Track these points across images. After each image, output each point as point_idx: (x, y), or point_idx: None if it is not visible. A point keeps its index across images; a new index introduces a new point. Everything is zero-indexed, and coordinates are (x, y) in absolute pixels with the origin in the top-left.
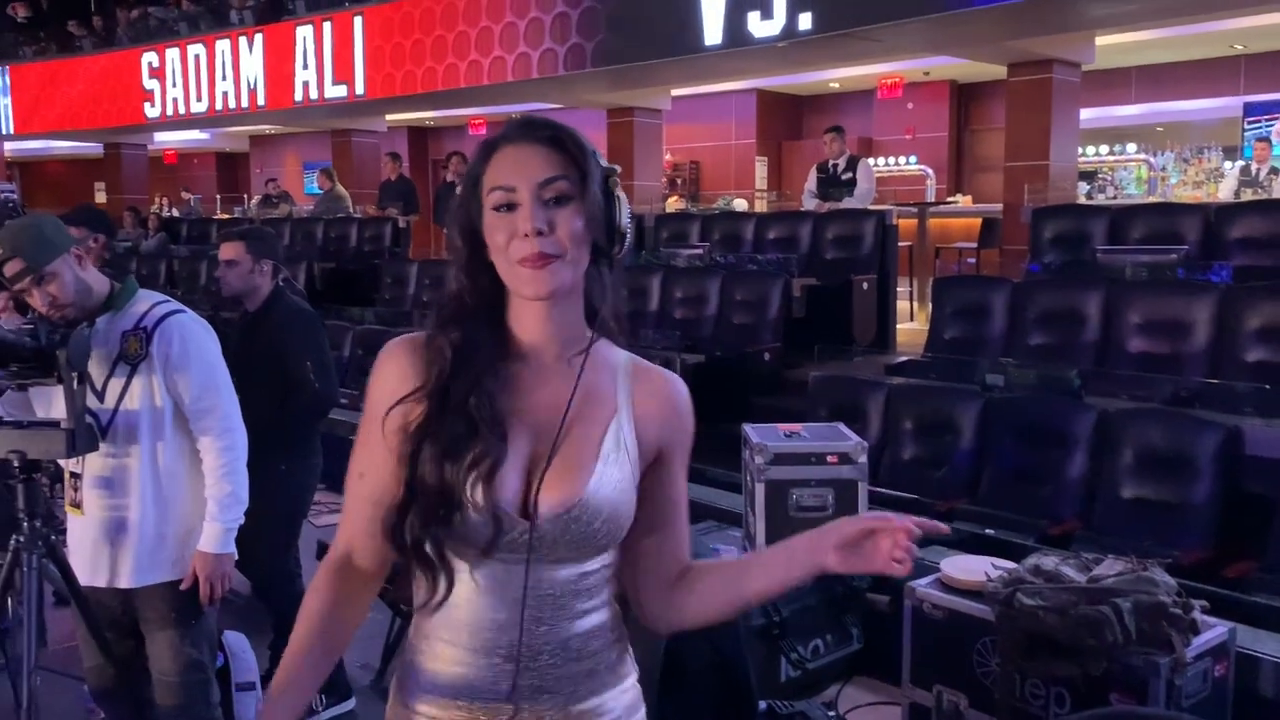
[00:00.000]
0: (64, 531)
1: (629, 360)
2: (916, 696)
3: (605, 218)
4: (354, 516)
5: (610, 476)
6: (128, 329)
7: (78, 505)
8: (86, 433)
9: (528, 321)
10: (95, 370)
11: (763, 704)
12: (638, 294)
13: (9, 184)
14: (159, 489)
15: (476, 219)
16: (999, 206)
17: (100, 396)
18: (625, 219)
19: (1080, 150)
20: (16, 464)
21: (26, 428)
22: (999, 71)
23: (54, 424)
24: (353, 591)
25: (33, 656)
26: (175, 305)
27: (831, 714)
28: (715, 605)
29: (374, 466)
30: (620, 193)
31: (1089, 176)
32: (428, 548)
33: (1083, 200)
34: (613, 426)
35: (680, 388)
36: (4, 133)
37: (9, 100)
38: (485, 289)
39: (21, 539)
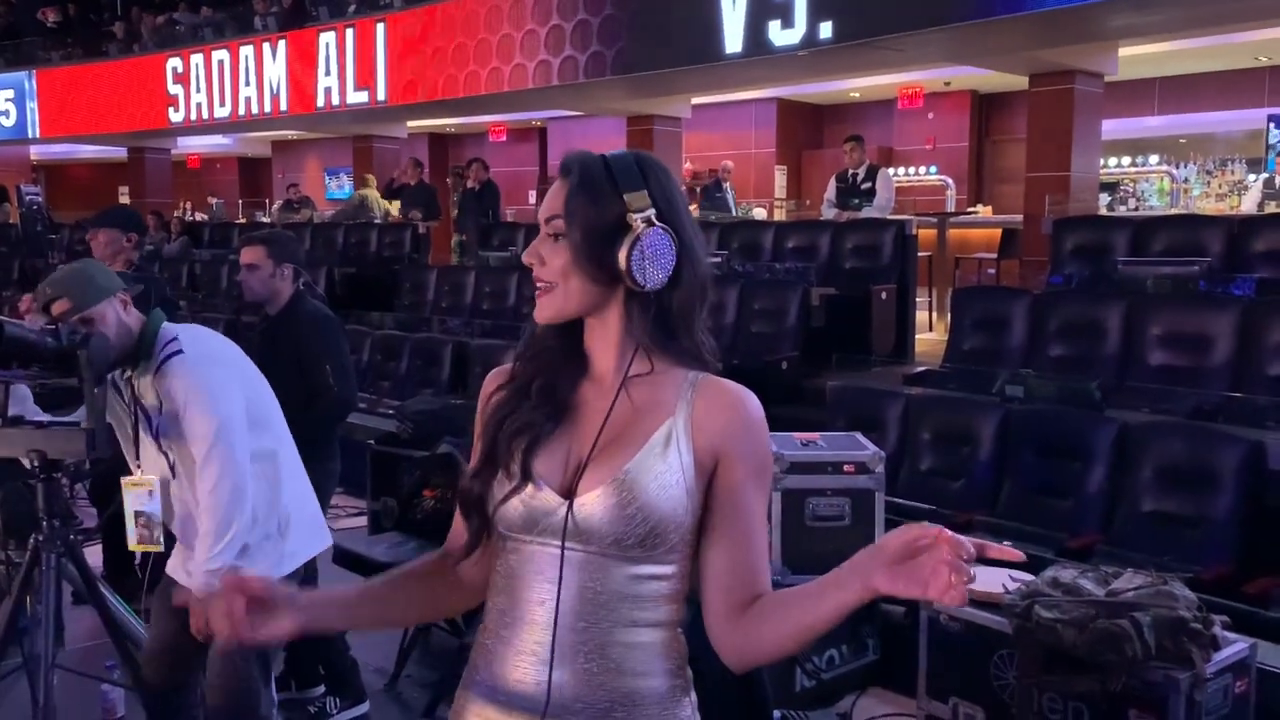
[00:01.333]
0: (83, 531)
1: (700, 376)
2: (932, 709)
3: (591, 254)
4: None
5: (650, 467)
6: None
7: (154, 543)
8: (106, 433)
9: (589, 342)
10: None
11: (777, 713)
12: None
13: (35, 187)
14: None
15: None
16: (1019, 217)
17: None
18: (626, 255)
19: (1102, 161)
20: (36, 463)
21: (47, 428)
22: (1020, 82)
23: (74, 424)
24: (436, 580)
25: (51, 655)
26: (174, 344)
27: None
28: (784, 634)
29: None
30: (643, 228)
31: (1111, 188)
32: (485, 505)
33: (1104, 212)
34: (666, 424)
35: (748, 400)
36: (31, 136)
37: (36, 104)
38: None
39: (41, 538)
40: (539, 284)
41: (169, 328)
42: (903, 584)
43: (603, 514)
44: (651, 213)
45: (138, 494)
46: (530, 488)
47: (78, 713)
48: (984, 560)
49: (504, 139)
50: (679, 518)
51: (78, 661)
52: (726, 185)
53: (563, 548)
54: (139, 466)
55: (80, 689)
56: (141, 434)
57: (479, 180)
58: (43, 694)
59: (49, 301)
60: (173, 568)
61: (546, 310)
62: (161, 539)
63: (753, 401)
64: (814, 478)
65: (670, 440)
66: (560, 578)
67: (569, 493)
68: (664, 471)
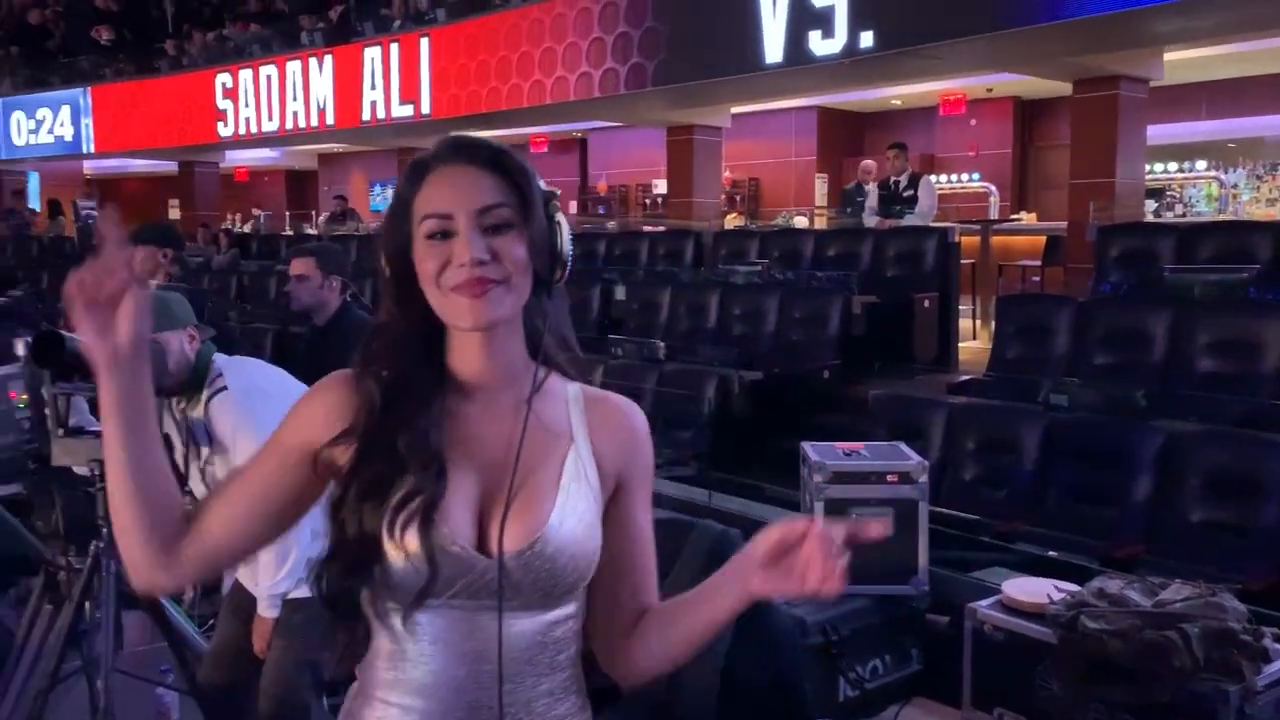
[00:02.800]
0: None
1: (579, 390)
2: (977, 719)
3: (548, 244)
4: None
5: (573, 508)
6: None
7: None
8: (164, 443)
9: (466, 355)
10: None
11: None
12: (696, 310)
13: (90, 201)
14: None
15: (406, 246)
16: (1063, 224)
17: (184, 410)
18: (567, 245)
19: (1148, 167)
20: (97, 472)
21: None
22: (1064, 88)
23: None
24: (165, 509)
25: (111, 659)
26: (220, 381)
27: None
28: (672, 646)
29: (257, 469)
30: (561, 218)
31: (1157, 194)
32: (359, 601)
33: (1150, 218)
34: (570, 456)
35: (637, 415)
36: (85, 151)
37: (90, 120)
38: (417, 321)
39: (101, 544)
40: (487, 281)
41: (217, 362)
42: (779, 584)
43: (537, 569)
44: (557, 209)
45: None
46: (426, 558)
47: (133, 715)
48: (855, 544)
49: (545, 150)
50: (595, 549)
51: (133, 665)
52: (869, 188)
53: (500, 609)
54: (189, 493)
55: (135, 692)
56: (191, 463)
57: None
58: (103, 697)
59: None
60: (242, 575)
61: (492, 311)
62: None
63: (640, 415)
64: (857, 487)
65: (579, 473)
66: (500, 637)
67: (486, 549)
68: (584, 510)
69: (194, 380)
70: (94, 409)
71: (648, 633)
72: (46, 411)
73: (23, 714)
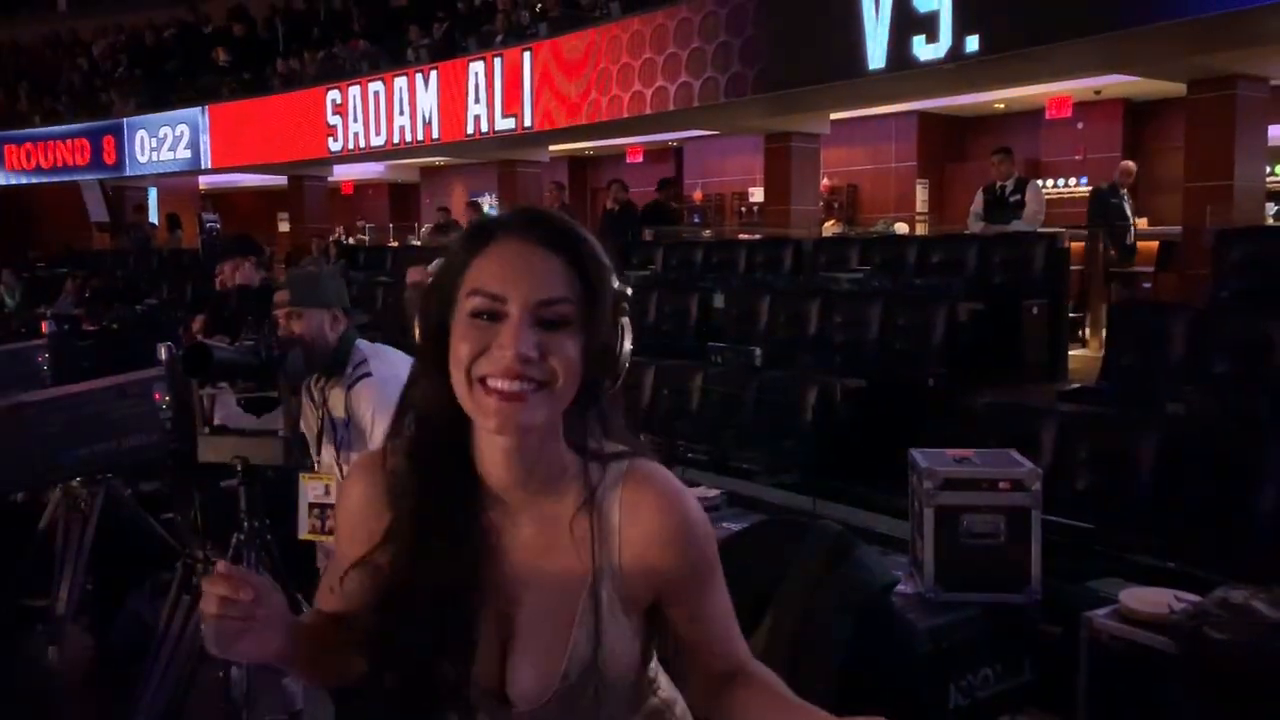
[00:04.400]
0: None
1: (620, 480)
2: None
3: (607, 349)
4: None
5: (594, 633)
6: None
7: (329, 533)
8: (300, 441)
9: (494, 457)
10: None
11: None
12: (796, 318)
13: (213, 214)
14: None
15: (446, 317)
16: (1177, 229)
17: (332, 409)
18: (627, 350)
19: (1269, 169)
20: (239, 468)
21: (249, 435)
22: (1175, 89)
23: (272, 432)
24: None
25: None
26: (366, 365)
27: None
28: None
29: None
30: (627, 321)
31: (1277, 197)
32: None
33: (1271, 222)
34: (595, 585)
35: (674, 513)
36: (204, 167)
37: (208, 137)
38: (447, 404)
39: (242, 537)
40: (527, 380)
41: (362, 347)
42: None
43: (554, 707)
44: (626, 300)
45: (314, 487)
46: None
47: (262, 703)
48: None
49: (641, 160)
50: (632, 663)
51: None
52: (1124, 192)
53: None
54: (318, 462)
55: (264, 681)
56: (324, 441)
57: (618, 201)
58: (245, 685)
59: (279, 288)
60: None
61: (534, 416)
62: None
63: (680, 510)
64: (968, 494)
65: (603, 600)
66: None
67: (501, 687)
68: (614, 637)
69: (335, 362)
70: (245, 406)
71: (733, 706)
72: (196, 410)
73: (163, 700)
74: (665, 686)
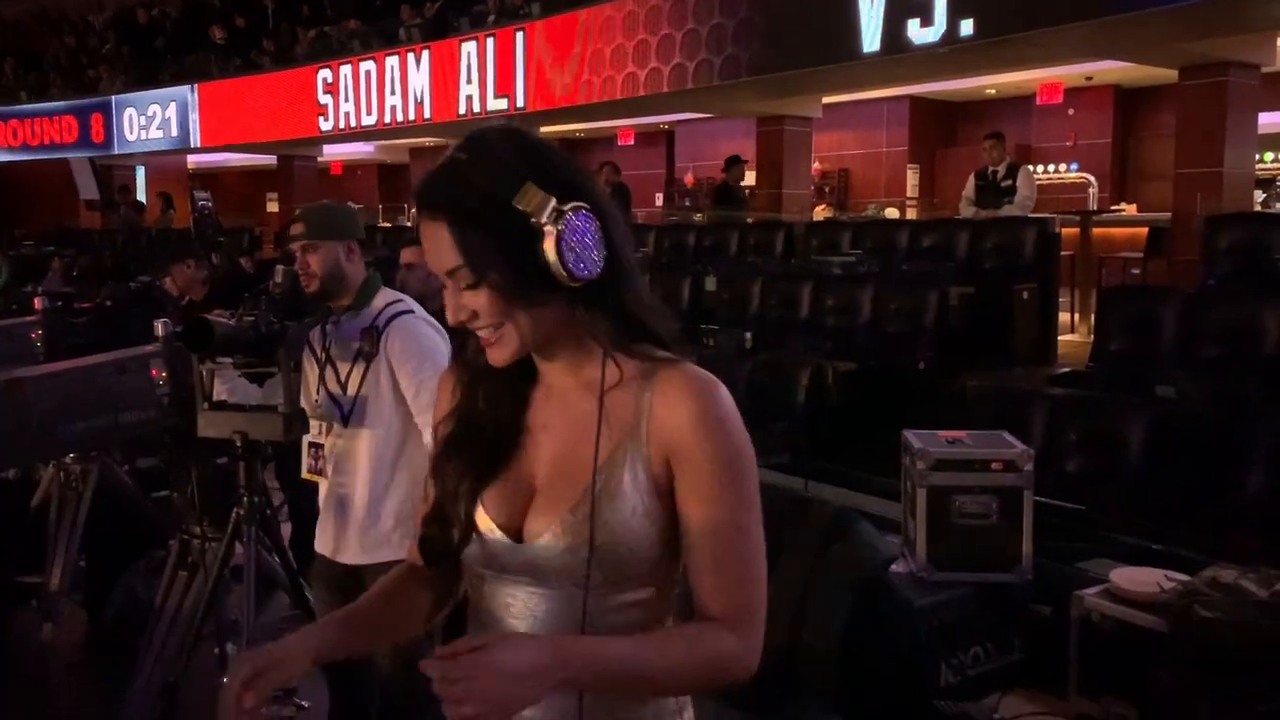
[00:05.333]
0: (283, 505)
1: (661, 370)
2: (1084, 708)
3: (531, 267)
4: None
5: (604, 500)
6: (365, 326)
7: (320, 473)
8: (301, 417)
9: (543, 359)
10: (340, 362)
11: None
12: (787, 301)
13: (205, 193)
14: (377, 473)
15: None
16: (1167, 215)
17: (343, 386)
18: (564, 256)
19: (1258, 156)
20: (239, 444)
21: (249, 411)
22: (1166, 75)
23: (272, 408)
24: (411, 591)
25: (251, 624)
26: (407, 305)
27: (996, 716)
28: None
29: None
30: (554, 224)
31: (1267, 184)
32: (446, 553)
33: (1260, 209)
34: (621, 444)
35: (704, 398)
36: (193, 146)
37: (197, 116)
38: None
39: (241, 512)
40: (481, 331)
41: (393, 291)
42: None
43: (554, 557)
44: (553, 201)
45: (311, 424)
46: (478, 536)
47: None
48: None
49: (632, 142)
50: (642, 550)
51: (258, 633)
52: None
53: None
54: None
55: None
56: (326, 372)
57: (610, 183)
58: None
59: (292, 222)
60: (322, 545)
61: (505, 351)
62: (329, 471)
63: (709, 396)
64: (960, 475)
65: (625, 462)
66: (532, 615)
67: (519, 533)
68: (619, 504)
69: (361, 295)
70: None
71: None
72: (196, 385)
73: (159, 677)
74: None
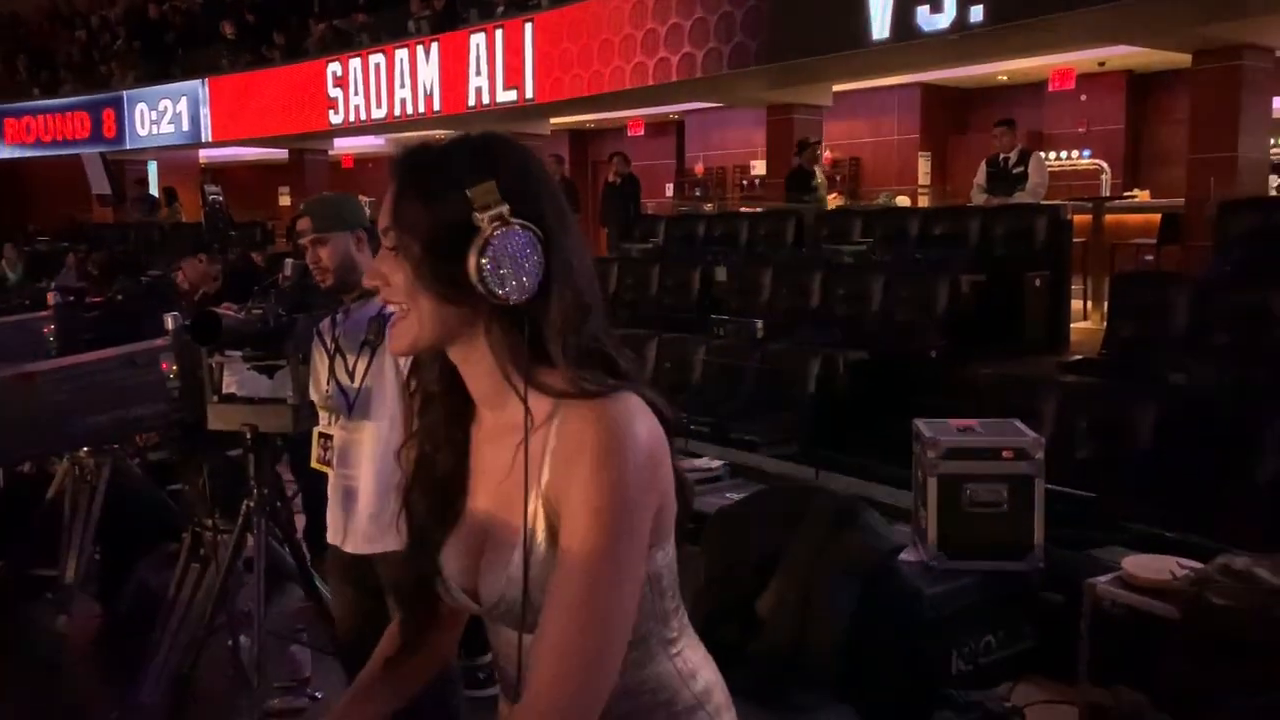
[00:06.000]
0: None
1: (560, 406)
2: (1095, 695)
3: (449, 264)
4: None
5: (536, 559)
6: (373, 315)
7: (328, 464)
8: (309, 408)
9: (465, 379)
10: (348, 352)
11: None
12: (798, 291)
13: (216, 186)
14: (382, 463)
15: None
16: (1180, 201)
17: (351, 376)
18: (484, 263)
19: (1272, 141)
20: (249, 436)
21: (258, 403)
22: (1179, 60)
23: (281, 400)
24: (406, 659)
25: (262, 615)
26: None
27: (1008, 704)
28: None
29: None
30: (493, 228)
31: None
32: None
33: (1275, 194)
34: (531, 501)
35: (587, 437)
36: (204, 140)
37: (208, 110)
38: None
39: (252, 504)
40: (390, 307)
41: None
42: None
43: (507, 611)
44: (505, 209)
45: (321, 415)
46: (446, 583)
47: (269, 670)
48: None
49: (641, 133)
50: None
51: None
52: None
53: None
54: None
55: (270, 648)
56: (336, 366)
57: (620, 174)
58: (256, 651)
59: (298, 217)
60: (332, 535)
61: (401, 340)
62: (335, 461)
63: (598, 434)
64: (971, 463)
65: (540, 512)
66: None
67: (475, 592)
68: (547, 554)
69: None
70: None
71: None
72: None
73: (173, 668)
74: (661, 676)
